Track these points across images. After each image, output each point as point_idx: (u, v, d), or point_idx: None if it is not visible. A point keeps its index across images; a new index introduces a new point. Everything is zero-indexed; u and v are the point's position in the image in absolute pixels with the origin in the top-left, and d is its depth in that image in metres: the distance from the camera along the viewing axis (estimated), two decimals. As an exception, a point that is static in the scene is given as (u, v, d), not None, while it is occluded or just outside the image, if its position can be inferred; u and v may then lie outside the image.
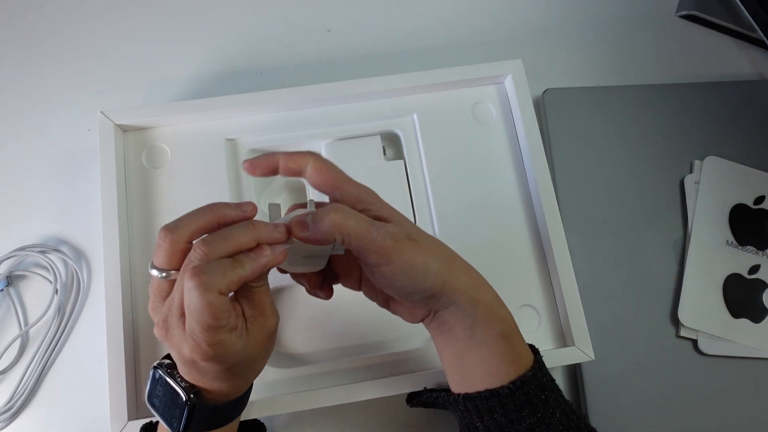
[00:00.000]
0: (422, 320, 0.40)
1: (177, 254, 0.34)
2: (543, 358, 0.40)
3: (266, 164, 0.37)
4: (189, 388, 0.36)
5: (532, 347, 0.41)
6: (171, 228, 0.34)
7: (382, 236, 0.35)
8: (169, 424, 0.37)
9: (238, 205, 0.37)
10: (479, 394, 0.38)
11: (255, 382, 0.49)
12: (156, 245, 0.35)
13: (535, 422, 0.37)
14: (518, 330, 0.39)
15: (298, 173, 0.37)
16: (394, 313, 0.41)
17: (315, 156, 0.37)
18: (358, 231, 0.35)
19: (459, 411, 0.40)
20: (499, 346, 0.38)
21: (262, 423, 0.49)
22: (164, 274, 0.34)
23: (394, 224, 0.36)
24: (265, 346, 0.37)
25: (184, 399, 0.36)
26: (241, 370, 0.36)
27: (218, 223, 0.36)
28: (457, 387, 0.41)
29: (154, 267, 0.35)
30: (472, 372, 0.39)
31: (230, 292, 0.34)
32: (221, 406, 0.38)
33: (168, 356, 0.39)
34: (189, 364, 0.35)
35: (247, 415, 0.47)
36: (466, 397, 0.39)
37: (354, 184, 0.38)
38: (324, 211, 0.35)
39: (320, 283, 0.42)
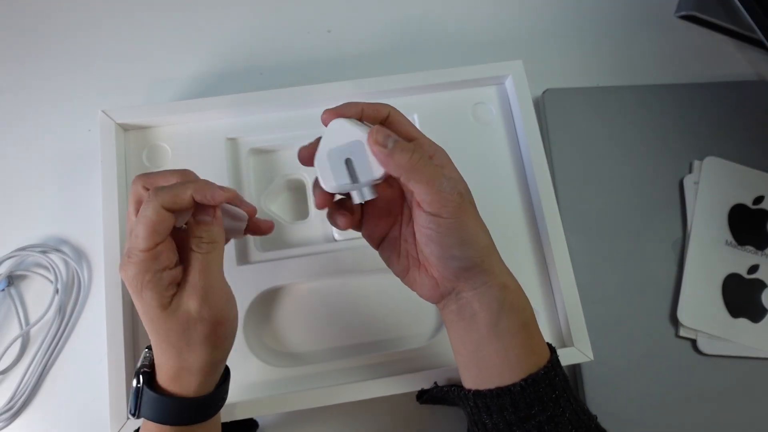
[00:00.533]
0: (441, 300, 0.39)
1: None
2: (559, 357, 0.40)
3: (348, 111, 0.38)
4: (144, 366, 0.39)
5: (549, 345, 0.41)
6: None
7: (452, 189, 0.36)
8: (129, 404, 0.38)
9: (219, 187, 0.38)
10: (490, 392, 0.38)
11: (252, 380, 0.49)
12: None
13: (544, 420, 0.37)
14: (535, 320, 0.39)
15: (378, 120, 0.38)
16: (411, 286, 0.40)
17: (395, 109, 0.39)
18: (430, 177, 0.35)
19: (468, 407, 0.40)
20: (521, 336, 0.38)
21: (256, 422, 0.49)
22: None
23: (466, 186, 0.38)
24: (190, 331, 0.36)
25: (135, 381, 0.38)
26: (173, 334, 0.36)
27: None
28: (471, 381, 0.40)
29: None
30: (490, 364, 0.38)
31: (173, 207, 0.35)
32: (173, 400, 0.37)
33: None
34: (132, 292, 0.36)
35: (246, 414, 0.47)
36: (477, 393, 0.39)
37: (429, 142, 0.39)
38: (406, 147, 0.35)
39: (348, 214, 0.40)
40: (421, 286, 0.39)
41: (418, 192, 0.36)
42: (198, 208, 0.37)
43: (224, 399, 0.41)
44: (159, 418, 0.37)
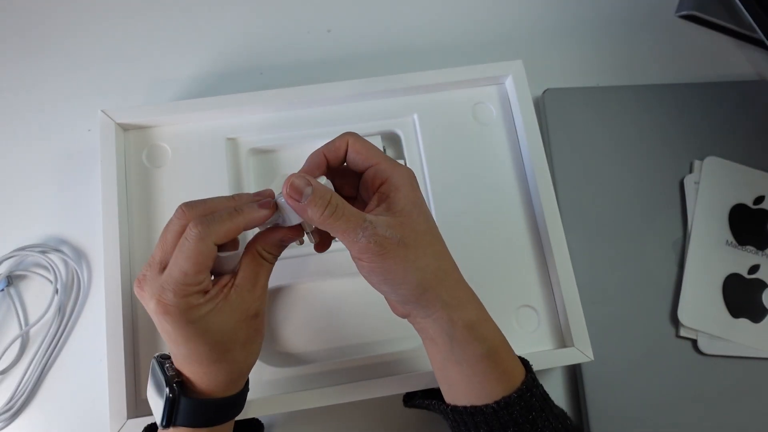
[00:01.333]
0: (405, 317, 0.40)
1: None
2: (535, 372, 0.40)
3: (313, 166, 0.38)
4: (174, 377, 0.37)
5: (525, 363, 0.41)
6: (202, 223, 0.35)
7: (367, 238, 0.35)
8: (157, 416, 0.37)
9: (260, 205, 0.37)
10: (465, 409, 0.38)
11: (253, 380, 0.49)
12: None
13: None
14: (507, 346, 0.39)
15: (339, 159, 0.39)
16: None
17: (353, 138, 0.39)
18: (345, 230, 0.35)
19: (449, 420, 0.41)
20: (481, 365, 0.38)
21: (261, 422, 0.49)
22: None
23: (396, 224, 0.36)
24: (244, 327, 0.36)
25: (167, 391, 0.36)
26: (213, 348, 0.35)
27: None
28: (446, 395, 0.41)
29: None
30: (455, 385, 0.39)
31: (226, 239, 0.35)
32: (209, 402, 0.37)
33: None
34: (158, 316, 0.34)
35: (245, 414, 0.47)
36: (454, 409, 0.39)
37: (392, 165, 0.38)
38: (319, 201, 0.35)
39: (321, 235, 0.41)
40: (389, 303, 0.41)
41: (340, 240, 0.36)
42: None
43: (242, 405, 0.41)
44: (198, 423, 0.37)
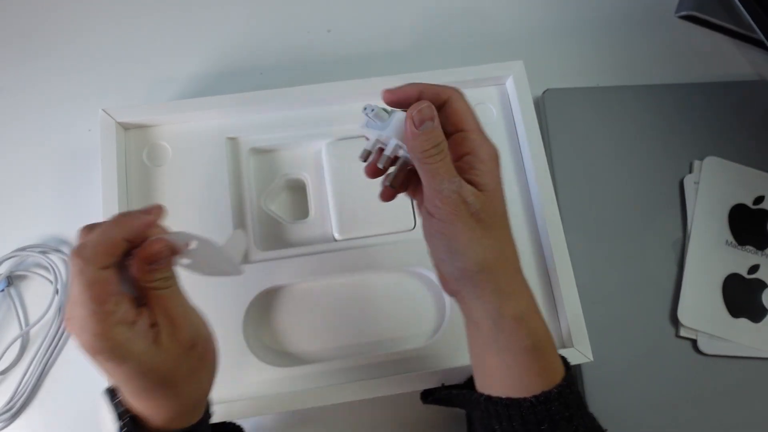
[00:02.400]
0: (453, 296, 0.39)
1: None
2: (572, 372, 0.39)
3: (406, 92, 0.37)
4: (124, 413, 0.34)
5: (564, 360, 0.40)
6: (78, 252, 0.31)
7: (450, 192, 0.34)
8: None
9: (145, 211, 0.35)
10: (500, 400, 0.37)
11: (254, 381, 0.49)
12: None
13: None
14: (551, 342, 0.38)
15: (436, 103, 0.36)
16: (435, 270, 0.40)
17: (457, 94, 0.37)
18: (435, 173, 0.35)
19: (479, 411, 0.40)
20: (525, 358, 0.37)
21: (240, 427, 0.47)
22: None
23: (478, 194, 0.35)
24: (186, 361, 0.34)
25: (119, 426, 0.34)
26: (157, 384, 0.33)
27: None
28: (479, 384, 0.40)
29: None
30: (493, 375, 0.38)
31: (112, 260, 0.32)
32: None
33: None
34: (90, 357, 0.31)
35: (245, 414, 0.47)
36: (489, 399, 0.38)
37: (483, 138, 0.37)
38: (431, 137, 0.35)
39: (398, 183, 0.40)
40: (438, 275, 0.39)
41: (423, 182, 0.36)
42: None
43: (209, 418, 0.39)
44: None
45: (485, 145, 0.37)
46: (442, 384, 0.47)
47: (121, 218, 0.33)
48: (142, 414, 0.34)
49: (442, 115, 0.37)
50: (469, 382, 0.43)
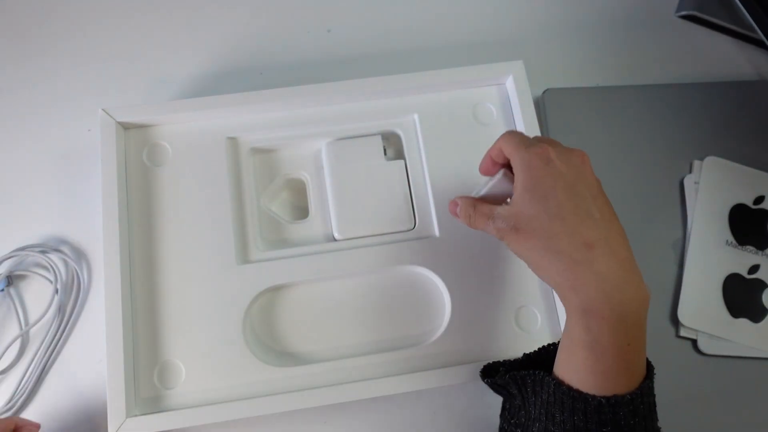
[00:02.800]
0: None
1: None
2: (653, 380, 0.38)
3: (491, 166, 0.45)
4: None
5: (648, 365, 0.39)
6: None
7: (492, 232, 0.42)
8: None
9: None
10: (570, 390, 0.37)
11: (254, 380, 0.49)
12: None
13: None
14: (624, 347, 0.36)
15: (504, 157, 0.43)
16: None
17: (504, 137, 0.42)
18: (481, 229, 0.43)
19: (545, 394, 0.39)
20: (583, 353, 0.37)
21: None
22: None
23: (509, 213, 0.40)
24: None
25: None
26: None
27: None
28: (556, 364, 0.40)
29: None
30: (562, 355, 0.39)
31: None
32: None
33: None
34: None
35: (244, 414, 0.47)
36: (558, 385, 0.38)
37: (512, 154, 0.41)
38: (464, 210, 0.45)
39: None
40: None
41: None
42: None
43: None
44: None
45: (513, 159, 0.40)
46: (508, 360, 0.46)
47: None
48: None
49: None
50: (525, 364, 0.43)
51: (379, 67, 0.64)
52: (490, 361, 0.47)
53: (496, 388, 0.44)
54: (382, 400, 0.48)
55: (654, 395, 0.38)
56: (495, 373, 0.44)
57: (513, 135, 0.42)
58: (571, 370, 0.38)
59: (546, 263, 0.38)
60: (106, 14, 0.66)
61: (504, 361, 0.46)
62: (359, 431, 0.53)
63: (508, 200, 0.42)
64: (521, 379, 0.41)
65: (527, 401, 0.41)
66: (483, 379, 0.45)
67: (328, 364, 0.50)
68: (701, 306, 0.55)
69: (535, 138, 0.42)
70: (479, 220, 0.43)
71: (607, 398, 0.36)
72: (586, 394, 0.36)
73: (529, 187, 0.38)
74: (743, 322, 0.55)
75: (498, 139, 0.43)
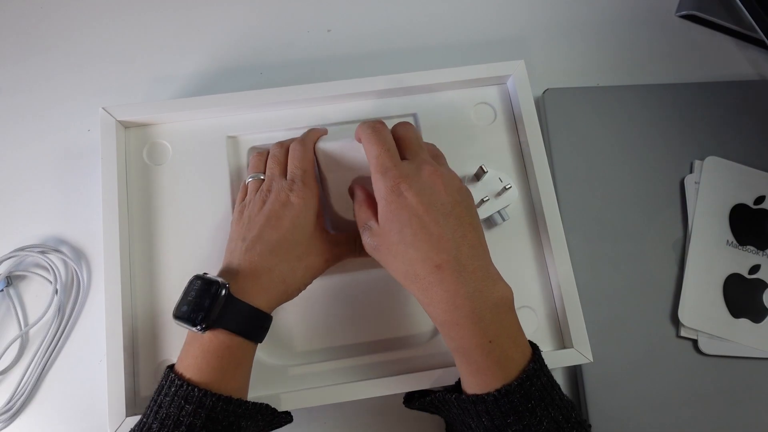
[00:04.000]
0: None
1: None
2: (541, 362, 0.41)
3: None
4: (223, 281, 0.41)
5: (533, 347, 0.42)
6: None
7: (363, 237, 0.44)
8: (194, 319, 0.40)
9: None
10: (468, 398, 0.40)
11: (253, 380, 0.49)
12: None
13: (520, 429, 0.38)
14: (484, 346, 0.39)
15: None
16: None
17: (361, 131, 0.45)
18: (358, 229, 0.45)
19: (454, 409, 0.42)
20: (458, 359, 0.41)
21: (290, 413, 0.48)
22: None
23: (375, 233, 0.43)
24: (315, 239, 0.46)
25: (218, 288, 0.41)
26: (287, 247, 0.44)
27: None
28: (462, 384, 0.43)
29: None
30: (460, 372, 0.42)
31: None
32: (253, 309, 0.42)
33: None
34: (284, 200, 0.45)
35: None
36: (459, 397, 0.41)
37: (374, 177, 0.43)
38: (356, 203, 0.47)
39: None
40: None
41: None
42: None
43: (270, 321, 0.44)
44: (241, 330, 0.41)
45: (375, 185, 0.42)
46: (421, 391, 0.47)
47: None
48: (248, 278, 0.43)
49: None
50: (458, 386, 0.44)
51: (379, 67, 0.64)
52: (409, 392, 0.49)
53: (427, 409, 0.47)
54: (381, 400, 0.48)
55: (546, 375, 0.40)
56: (413, 401, 0.47)
57: (373, 146, 0.43)
58: (462, 378, 0.42)
59: (408, 284, 0.41)
60: (107, 13, 0.66)
61: (424, 390, 0.48)
62: (358, 431, 0.52)
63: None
64: (430, 403, 0.45)
65: (451, 420, 0.45)
66: (405, 405, 0.48)
67: (328, 363, 0.50)
68: (702, 306, 0.55)
69: (388, 156, 0.42)
70: (358, 222, 0.45)
71: (498, 390, 0.38)
72: (482, 395, 0.39)
73: (389, 218, 0.41)
74: (744, 323, 0.55)
75: (361, 137, 0.45)
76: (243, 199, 0.49)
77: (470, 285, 0.39)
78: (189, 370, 0.40)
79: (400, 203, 0.41)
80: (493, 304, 0.39)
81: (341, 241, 0.48)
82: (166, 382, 0.40)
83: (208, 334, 0.41)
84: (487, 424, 0.39)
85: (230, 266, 0.44)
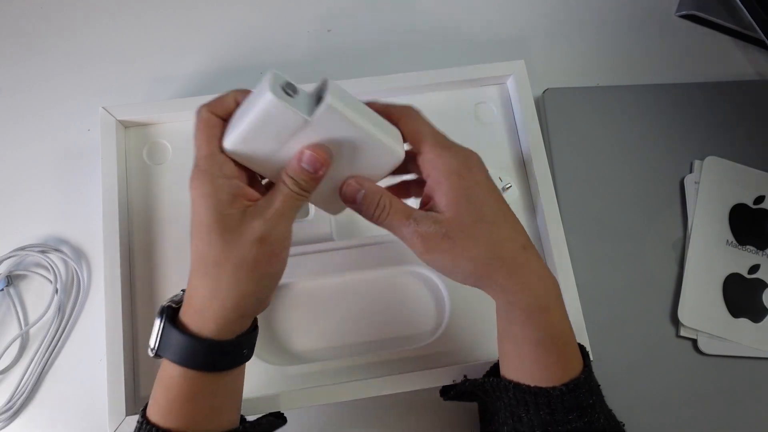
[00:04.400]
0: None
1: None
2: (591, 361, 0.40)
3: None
4: (170, 305, 0.37)
5: (582, 348, 0.40)
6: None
7: (411, 234, 0.36)
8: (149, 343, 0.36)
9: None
10: (529, 389, 0.38)
11: (253, 379, 0.49)
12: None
13: (581, 426, 0.37)
14: (566, 335, 0.38)
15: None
16: None
17: (411, 111, 0.39)
18: (391, 227, 0.37)
19: (506, 398, 0.39)
20: (535, 351, 0.38)
21: (283, 415, 0.47)
22: None
23: (441, 219, 0.36)
24: (256, 248, 0.34)
25: (162, 307, 0.36)
26: (222, 252, 0.34)
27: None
28: (503, 370, 0.41)
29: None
30: (508, 360, 0.40)
31: (219, 113, 0.36)
32: (205, 341, 0.35)
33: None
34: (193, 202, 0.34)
35: (244, 413, 0.47)
36: (517, 386, 0.38)
37: (438, 154, 0.37)
38: (371, 202, 0.37)
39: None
40: None
41: None
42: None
43: (249, 352, 0.38)
44: (180, 360, 0.35)
45: (440, 160, 0.37)
46: (465, 376, 0.46)
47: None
48: (189, 300, 0.36)
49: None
50: (488, 374, 0.44)
51: (379, 67, 0.64)
52: (450, 383, 0.47)
53: (464, 396, 0.46)
54: (382, 400, 0.48)
55: (593, 374, 0.40)
56: (451, 389, 0.46)
57: (425, 123, 0.38)
58: (522, 369, 0.39)
59: (490, 271, 0.37)
60: (107, 13, 0.66)
61: (465, 378, 0.46)
62: (357, 430, 0.52)
63: (432, 205, 0.38)
64: (480, 386, 0.42)
65: (493, 406, 0.42)
66: (444, 397, 0.46)
67: (328, 363, 0.50)
68: (701, 306, 0.55)
69: (441, 133, 0.39)
70: (396, 217, 0.37)
71: (566, 384, 0.37)
72: (546, 389, 0.37)
73: (463, 196, 0.36)
74: (743, 322, 0.55)
75: (403, 120, 0.38)
76: None
77: (546, 269, 0.38)
78: (151, 406, 0.37)
79: (472, 179, 0.37)
80: (559, 290, 0.38)
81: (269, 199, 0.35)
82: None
83: (163, 363, 0.36)
84: (546, 418, 0.37)
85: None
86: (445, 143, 0.38)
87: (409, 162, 0.39)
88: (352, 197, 0.38)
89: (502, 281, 0.37)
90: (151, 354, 0.36)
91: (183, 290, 0.37)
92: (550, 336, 0.37)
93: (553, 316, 0.37)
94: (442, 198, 0.37)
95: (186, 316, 0.36)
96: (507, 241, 0.37)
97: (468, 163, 0.37)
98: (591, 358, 0.40)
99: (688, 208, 0.58)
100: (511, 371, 0.39)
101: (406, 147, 0.39)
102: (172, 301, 0.37)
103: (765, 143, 0.61)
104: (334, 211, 0.41)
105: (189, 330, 0.35)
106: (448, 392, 0.47)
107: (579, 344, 0.40)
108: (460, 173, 0.37)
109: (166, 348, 0.35)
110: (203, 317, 0.35)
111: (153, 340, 0.36)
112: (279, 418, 0.46)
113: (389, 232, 0.38)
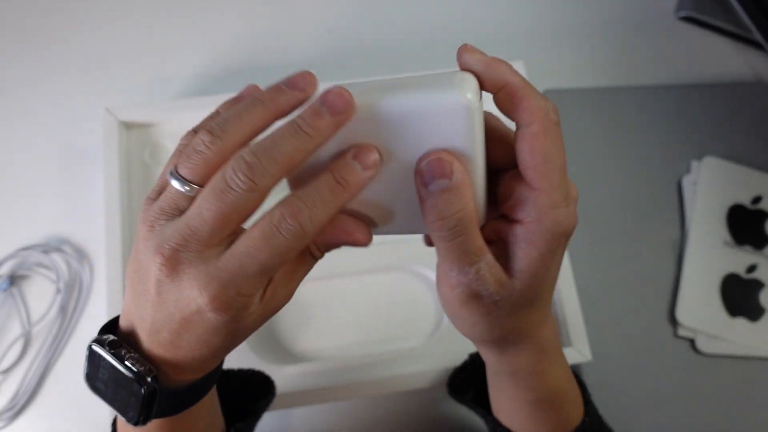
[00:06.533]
0: None
1: (217, 166, 0.25)
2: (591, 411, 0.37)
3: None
4: (147, 371, 0.27)
5: (587, 401, 0.37)
6: (217, 133, 0.26)
7: (456, 284, 0.27)
8: (123, 413, 0.28)
9: (292, 85, 0.27)
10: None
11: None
12: (191, 150, 0.26)
13: None
14: (561, 393, 0.34)
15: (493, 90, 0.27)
16: None
17: (513, 82, 0.27)
18: (443, 256, 0.27)
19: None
20: (529, 409, 0.35)
21: (269, 378, 0.44)
22: (188, 189, 0.26)
23: (505, 284, 0.27)
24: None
25: (142, 387, 0.26)
26: (230, 340, 0.27)
27: (275, 120, 0.27)
28: (493, 408, 0.39)
29: (178, 177, 0.26)
30: (499, 403, 0.38)
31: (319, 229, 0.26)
32: (186, 389, 0.29)
33: (106, 329, 0.29)
34: (191, 316, 0.25)
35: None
36: (500, 426, 0.37)
37: (552, 200, 0.26)
38: (463, 194, 0.25)
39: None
40: None
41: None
42: None
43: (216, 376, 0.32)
44: (179, 409, 0.30)
45: (545, 217, 0.26)
46: (473, 390, 0.44)
47: (353, 181, 0.26)
48: (165, 361, 0.27)
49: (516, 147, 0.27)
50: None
51: (379, 67, 0.64)
52: (455, 369, 0.46)
53: (465, 397, 0.44)
54: (382, 399, 0.49)
55: (596, 426, 0.38)
56: (458, 384, 0.45)
57: (550, 132, 0.28)
58: (516, 420, 0.36)
59: (544, 331, 0.31)
60: (109, 14, 0.66)
61: (462, 367, 0.46)
62: (357, 429, 0.53)
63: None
64: (480, 415, 0.41)
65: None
66: (450, 394, 0.46)
67: (328, 362, 0.50)
68: (699, 305, 0.55)
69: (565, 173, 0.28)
70: (460, 252, 0.26)
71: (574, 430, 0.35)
72: None
73: (541, 273, 0.27)
74: (741, 322, 0.55)
75: (517, 87, 0.27)
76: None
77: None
78: None
79: (559, 254, 0.28)
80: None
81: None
82: None
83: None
84: None
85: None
86: (564, 191, 0.27)
87: (497, 145, 0.29)
88: (434, 173, 0.25)
89: (547, 334, 0.32)
90: (133, 424, 0.28)
91: (102, 341, 0.28)
92: (539, 397, 0.34)
93: (549, 374, 0.33)
94: (523, 260, 0.27)
95: (169, 371, 0.28)
96: (537, 325, 0.30)
97: (568, 231, 0.27)
98: (590, 394, 0.38)
99: (686, 208, 0.59)
100: (503, 416, 0.38)
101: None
102: (144, 369, 0.27)
103: (763, 144, 0.62)
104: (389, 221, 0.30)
105: (177, 380, 0.28)
106: (454, 390, 0.46)
107: (576, 377, 0.37)
108: (550, 246, 0.26)
109: (161, 408, 0.28)
110: (184, 374, 0.28)
111: (138, 413, 0.27)
112: (265, 383, 0.43)
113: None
